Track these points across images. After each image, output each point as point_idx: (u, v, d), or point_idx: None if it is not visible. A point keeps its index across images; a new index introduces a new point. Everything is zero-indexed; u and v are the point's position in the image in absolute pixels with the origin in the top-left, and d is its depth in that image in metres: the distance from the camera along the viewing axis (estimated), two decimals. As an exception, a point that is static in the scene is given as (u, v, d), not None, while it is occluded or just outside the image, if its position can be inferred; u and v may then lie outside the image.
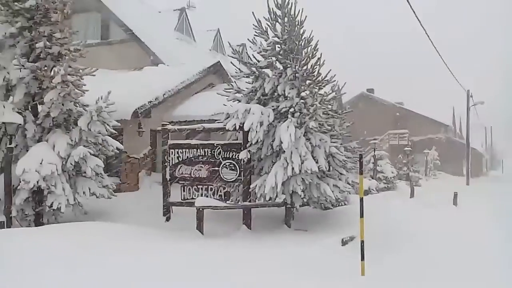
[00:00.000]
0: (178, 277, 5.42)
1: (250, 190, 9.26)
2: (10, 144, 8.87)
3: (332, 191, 8.89)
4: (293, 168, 8.44)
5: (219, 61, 16.78)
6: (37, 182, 8.48)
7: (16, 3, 9.31)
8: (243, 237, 8.32)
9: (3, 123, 8.73)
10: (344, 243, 7.72)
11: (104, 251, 6.14)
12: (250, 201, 9.33)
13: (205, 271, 5.65)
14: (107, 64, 13.96)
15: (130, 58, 15.62)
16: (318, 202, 9.47)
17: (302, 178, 8.66)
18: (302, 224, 9.41)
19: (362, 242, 5.98)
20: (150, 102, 12.64)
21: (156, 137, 13.09)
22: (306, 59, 9.53)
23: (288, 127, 8.62)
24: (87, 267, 5.50)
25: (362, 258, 5.91)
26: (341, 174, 9.49)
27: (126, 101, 11.38)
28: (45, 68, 9.42)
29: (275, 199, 8.73)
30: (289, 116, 9.01)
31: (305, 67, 9.50)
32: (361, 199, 6.12)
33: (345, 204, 11.14)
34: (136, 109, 12.03)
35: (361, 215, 6.06)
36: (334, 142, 9.42)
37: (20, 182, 8.71)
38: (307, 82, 9.61)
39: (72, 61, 9.62)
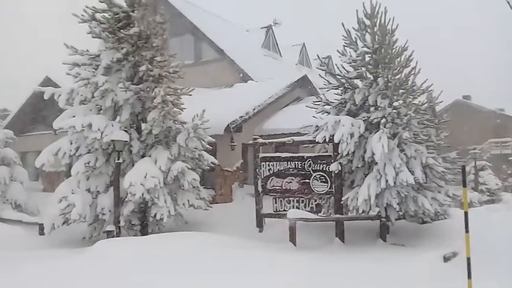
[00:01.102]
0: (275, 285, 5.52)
1: (342, 202, 9.15)
2: (118, 159, 9.68)
3: (431, 204, 8.47)
4: (387, 180, 8.20)
5: (305, 75, 16.90)
6: (142, 194, 9.16)
7: (121, 31, 10.21)
8: (337, 250, 8.22)
9: (112, 140, 9.56)
10: (446, 259, 7.30)
11: (203, 259, 6.46)
12: (342, 214, 9.21)
13: (304, 283, 5.69)
14: (200, 83, 14.76)
15: (221, 76, 16.39)
16: (415, 215, 9.06)
17: (397, 191, 8.37)
18: (399, 238, 9.06)
19: (469, 259, 5.61)
20: (241, 117, 13.08)
21: (247, 150, 13.49)
22: (399, 68, 9.28)
23: (380, 138, 8.40)
24: (187, 273, 5.84)
25: (469, 276, 5.53)
26: (439, 186, 9.02)
27: (219, 117, 11.92)
28: (147, 89, 10.20)
29: (368, 212, 8.53)
30: (381, 126, 8.79)
31: (397, 76, 9.24)
32: (466, 213, 5.77)
33: (444, 218, 10.52)
34: (228, 125, 12.53)
35: (466, 230, 5.70)
36: (430, 153, 9.00)
37: (127, 194, 9.49)
38: (400, 91, 9.33)
39: (171, 82, 10.35)
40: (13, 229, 11.42)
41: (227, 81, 16.13)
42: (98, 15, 10.24)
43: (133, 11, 10.22)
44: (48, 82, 17.24)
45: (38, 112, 19.48)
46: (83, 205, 9.52)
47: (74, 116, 9.93)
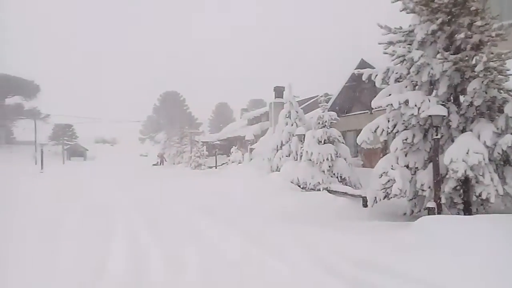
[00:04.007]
0: None
1: None
2: (436, 135, 9.42)
3: None
4: None
5: None
6: (465, 171, 8.60)
7: (435, 1, 9.75)
8: None
9: (429, 116, 9.33)
10: None
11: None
12: None
13: None
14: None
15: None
16: None
17: None
18: None
19: None
20: None
21: None
22: None
23: None
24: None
25: None
26: None
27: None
28: (466, 58, 9.44)
29: None
30: None
31: None
32: None
33: None
34: None
35: None
36: None
37: (447, 171, 9.12)
38: None
39: (493, 47, 9.24)
40: (341, 200, 12.87)
41: None
42: (410, -10, 10.12)
43: (445, -23, 9.60)
44: (363, 64, 18.46)
45: (354, 94, 21.16)
46: (403, 180, 9.75)
47: (390, 95, 10.24)
